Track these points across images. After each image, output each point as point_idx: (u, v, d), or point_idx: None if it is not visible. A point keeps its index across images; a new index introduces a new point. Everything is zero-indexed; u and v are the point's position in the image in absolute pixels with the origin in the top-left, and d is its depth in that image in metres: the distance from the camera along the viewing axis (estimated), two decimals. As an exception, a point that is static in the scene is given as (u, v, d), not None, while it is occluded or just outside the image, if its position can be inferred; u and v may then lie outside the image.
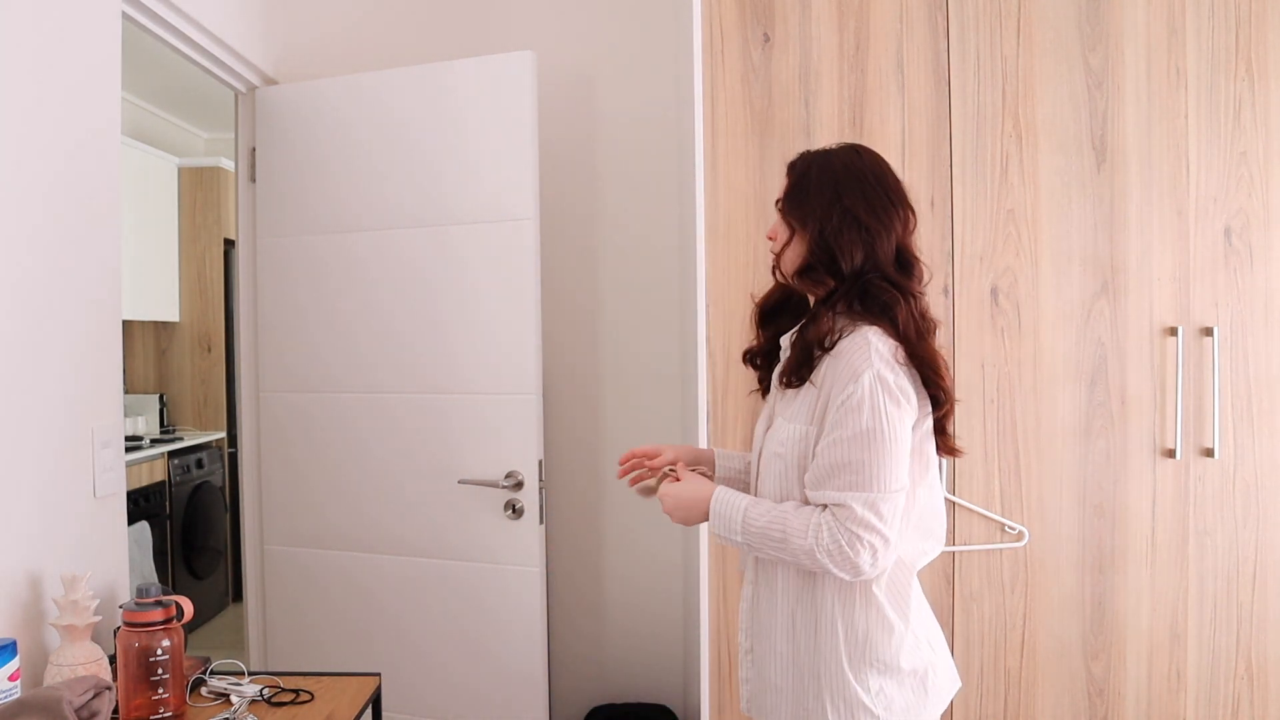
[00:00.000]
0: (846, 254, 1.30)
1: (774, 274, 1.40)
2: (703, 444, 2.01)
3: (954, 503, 2.02)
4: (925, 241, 2.01)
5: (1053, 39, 2.00)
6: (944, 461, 2.01)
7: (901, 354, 1.27)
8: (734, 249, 2.02)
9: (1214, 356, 1.99)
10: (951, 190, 2.01)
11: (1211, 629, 2.02)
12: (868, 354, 1.24)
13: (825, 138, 2.02)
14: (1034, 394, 2.01)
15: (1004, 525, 2.02)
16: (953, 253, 2.02)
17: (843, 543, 1.22)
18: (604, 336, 2.69)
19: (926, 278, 1.37)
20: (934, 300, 2.01)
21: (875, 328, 1.28)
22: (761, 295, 1.49)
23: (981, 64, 2.01)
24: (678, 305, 2.61)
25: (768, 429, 1.41)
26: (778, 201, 1.40)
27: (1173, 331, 2.00)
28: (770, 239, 1.40)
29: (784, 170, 1.42)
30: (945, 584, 2.03)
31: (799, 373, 1.31)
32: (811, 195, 1.33)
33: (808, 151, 1.41)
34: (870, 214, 1.31)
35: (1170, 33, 1.99)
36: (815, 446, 1.28)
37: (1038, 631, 2.03)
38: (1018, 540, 2.02)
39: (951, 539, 2.02)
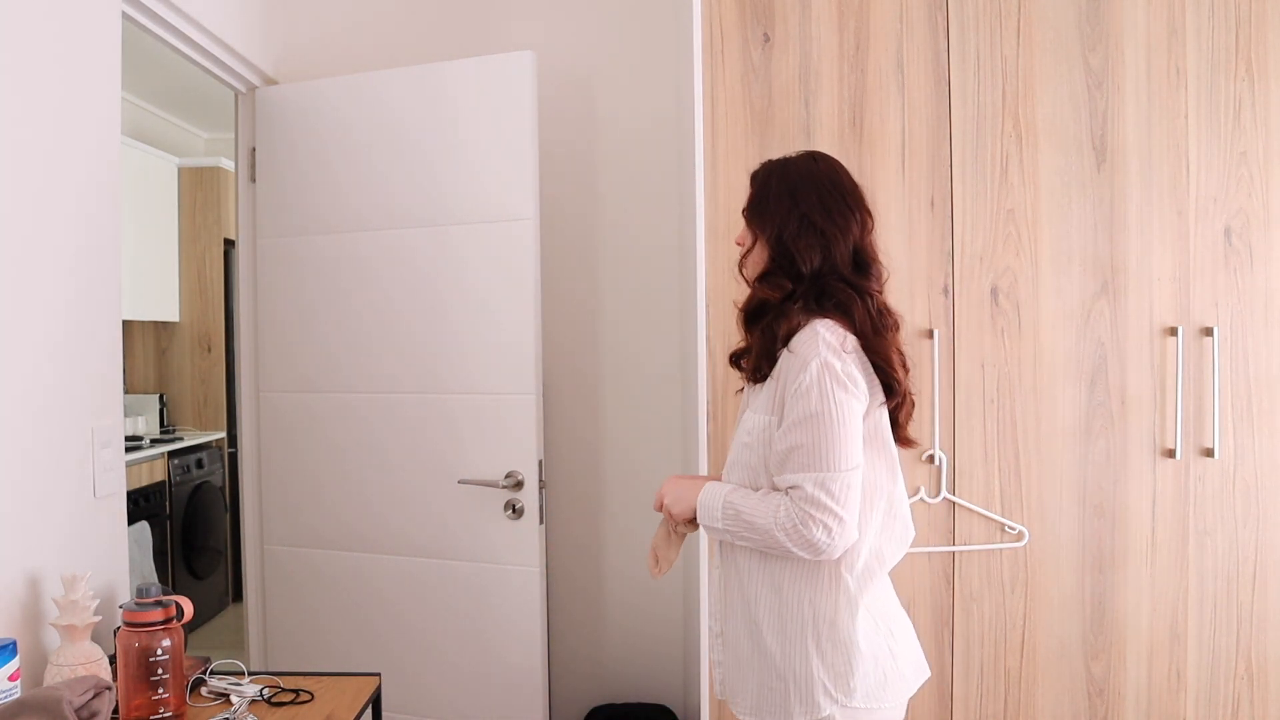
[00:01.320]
0: (804, 257, 1.37)
1: (745, 279, 1.47)
2: (702, 443, 2.01)
3: (954, 503, 2.02)
4: (925, 241, 2.02)
5: (1053, 39, 2.00)
6: (944, 461, 2.01)
7: (851, 343, 1.34)
8: (734, 249, 2.01)
9: (1214, 356, 1.99)
10: (951, 190, 2.01)
11: (1211, 629, 2.03)
12: (815, 344, 1.31)
13: (825, 138, 2.02)
14: (1034, 394, 2.01)
15: (1004, 525, 2.02)
16: (953, 253, 2.02)
17: (797, 522, 1.29)
18: (604, 336, 2.69)
19: (885, 276, 1.43)
20: (934, 300, 2.02)
21: (826, 320, 1.35)
22: (744, 301, 1.55)
23: (981, 64, 2.01)
24: (678, 305, 2.61)
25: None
26: (743, 209, 1.47)
27: (1173, 331, 2.00)
28: (738, 244, 1.48)
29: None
30: (945, 584, 2.03)
31: (761, 368, 1.40)
32: (771, 202, 1.41)
33: (769, 160, 1.48)
34: (826, 218, 1.38)
35: (1170, 33, 1.99)
36: (775, 435, 1.36)
37: (1038, 631, 2.03)
38: (1018, 540, 2.02)
39: (951, 539, 2.02)
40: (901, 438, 1.43)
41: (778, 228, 1.39)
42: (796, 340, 1.34)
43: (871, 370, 1.36)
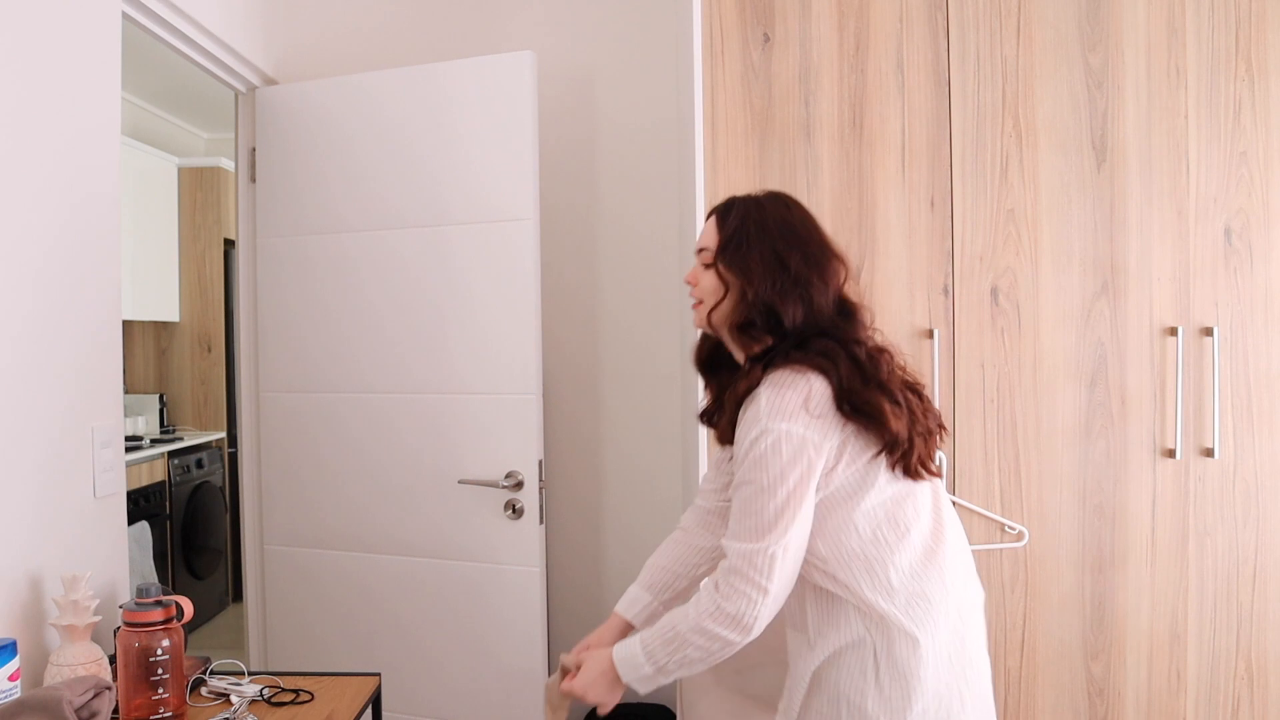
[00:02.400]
0: (789, 312, 1.30)
1: (706, 325, 1.39)
2: (702, 443, 2.02)
3: (954, 503, 2.02)
4: (925, 241, 2.02)
5: (1053, 39, 2.00)
6: (944, 461, 2.01)
7: (820, 400, 1.25)
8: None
9: (1214, 356, 1.99)
10: (951, 190, 2.01)
11: (1211, 629, 2.03)
12: (762, 406, 1.25)
13: (825, 138, 2.02)
14: (1034, 394, 2.01)
15: (1004, 525, 2.02)
16: (953, 253, 2.02)
17: (717, 596, 1.24)
18: (604, 336, 2.69)
19: (870, 319, 1.37)
20: (934, 300, 2.02)
21: (789, 373, 1.26)
22: (695, 349, 1.49)
23: (981, 64, 2.01)
24: (678, 305, 2.61)
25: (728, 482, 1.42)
26: (704, 250, 1.38)
27: (1173, 331, 2.00)
28: (690, 284, 1.39)
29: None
30: (945, 584, 2.03)
31: (729, 431, 1.34)
32: (751, 251, 1.32)
33: (735, 199, 1.39)
34: (811, 269, 1.32)
35: (1170, 33, 1.99)
36: None
37: (1038, 631, 2.03)
38: (1018, 540, 2.02)
39: (951, 539, 2.02)
40: (930, 472, 1.34)
41: (761, 280, 1.31)
42: (751, 399, 1.28)
43: (860, 420, 1.27)
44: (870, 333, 1.36)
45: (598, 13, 2.64)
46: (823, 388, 1.25)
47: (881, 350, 1.34)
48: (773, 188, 1.38)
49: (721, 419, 1.38)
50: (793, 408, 1.24)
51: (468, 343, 2.32)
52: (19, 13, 1.53)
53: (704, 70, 2.02)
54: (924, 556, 1.30)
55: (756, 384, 1.28)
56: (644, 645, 1.29)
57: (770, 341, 1.31)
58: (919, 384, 1.37)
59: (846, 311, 1.34)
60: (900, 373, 1.35)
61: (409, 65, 2.40)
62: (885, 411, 1.26)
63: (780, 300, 1.30)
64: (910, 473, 1.30)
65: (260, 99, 2.53)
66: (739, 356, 1.38)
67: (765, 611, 1.23)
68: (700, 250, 1.39)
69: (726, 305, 1.35)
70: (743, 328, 1.33)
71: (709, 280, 1.36)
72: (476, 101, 2.30)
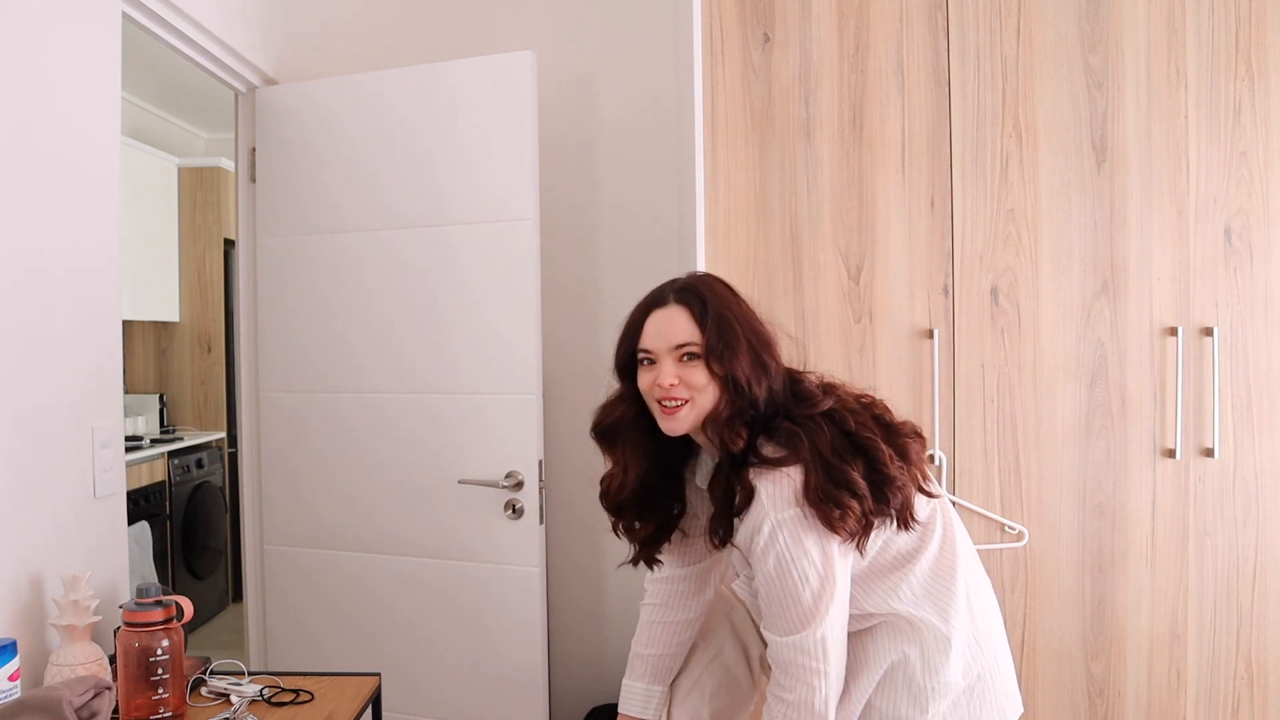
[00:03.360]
0: (761, 398, 1.26)
1: (684, 427, 1.30)
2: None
3: (954, 503, 2.02)
4: (925, 241, 2.02)
5: (1053, 39, 2.00)
6: (944, 461, 2.01)
7: (813, 490, 1.22)
8: (734, 249, 2.02)
9: (1214, 356, 1.99)
10: (951, 190, 2.01)
11: (1211, 629, 2.03)
12: (762, 506, 1.22)
13: (825, 138, 2.02)
14: (1034, 394, 2.01)
15: (1004, 525, 2.02)
16: (953, 253, 2.02)
17: (782, 698, 1.24)
18: (604, 336, 2.69)
19: (816, 379, 1.33)
20: (934, 300, 2.02)
21: (775, 474, 1.23)
22: (612, 482, 1.42)
23: (981, 64, 2.01)
24: (678, 305, 2.61)
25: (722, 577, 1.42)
26: (686, 345, 1.28)
27: (1173, 331, 2.00)
28: (670, 385, 1.27)
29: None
30: (945, 584, 2.03)
31: (719, 532, 1.29)
32: (739, 341, 1.26)
33: (691, 286, 1.32)
34: (768, 352, 1.29)
35: (1170, 33, 1.99)
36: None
37: (1038, 631, 2.03)
38: (1018, 540, 2.02)
39: (951, 539, 2.02)
40: (929, 493, 1.34)
41: (741, 370, 1.25)
42: (748, 496, 1.24)
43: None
44: (810, 377, 1.33)
45: (597, 13, 2.64)
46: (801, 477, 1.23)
47: (833, 393, 1.30)
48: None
49: (711, 521, 1.31)
50: (792, 498, 1.22)
51: (468, 342, 2.32)
52: (19, 13, 1.53)
53: (704, 70, 2.02)
54: (936, 557, 1.33)
55: (751, 489, 1.24)
56: None
57: (747, 434, 1.26)
58: (882, 412, 1.33)
59: (796, 386, 1.31)
60: (855, 402, 1.31)
61: (409, 65, 2.40)
62: (859, 489, 1.22)
63: (756, 386, 1.26)
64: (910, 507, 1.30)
65: (260, 99, 2.53)
66: (712, 451, 1.31)
67: (832, 693, 1.24)
68: (680, 346, 1.28)
69: (713, 400, 1.27)
70: (730, 421, 1.26)
71: (700, 377, 1.27)
72: (476, 101, 2.30)
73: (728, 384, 1.26)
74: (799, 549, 1.21)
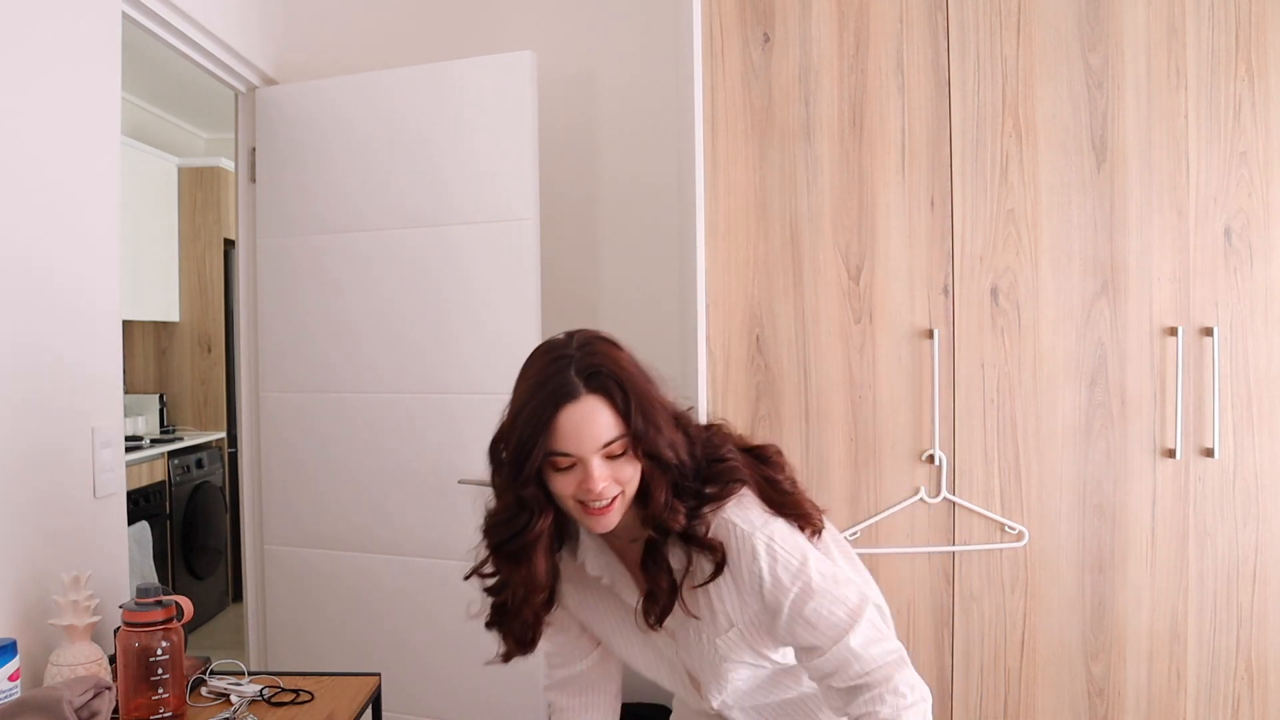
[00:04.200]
0: (687, 462, 1.16)
1: (615, 522, 1.17)
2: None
3: (954, 503, 2.02)
4: (925, 241, 2.02)
5: (1053, 39, 2.00)
6: (944, 461, 2.01)
7: (769, 500, 1.20)
8: (734, 249, 2.02)
9: (1214, 356, 1.99)
10: (951, 190, 2.01)
11: (1211, 629, 2.02)
12: (741, 531, 1.15)
13: (825, 138, 2.02)
14: (1034, 394, 2.01)
15: (1004, 525, 2.02)
16: (953, 253, 2.02)
17: (882, 688, 1.11)
18: (604, 336, 2.69)
19: (717, 425, 1.28)
20: (934, 300, 2.02)
21: (731, 501, 1.17)
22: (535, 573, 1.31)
23: (981, 64, 2.01)
24: (678, 305, 2.61)
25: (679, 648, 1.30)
26: (612, 443, 1.12)
27: (1173, 331, 2.00)
28: (598, 489, 1.12)
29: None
30: (945, 584, 2.03)
31: (652, 612, 1.20)
32: (651, 416, 1.13)
33: (596, 366, 1.14)
34: (673, 408, 1.20)
35: (1170, 33, 1.99)
36: (770, 638, 1.20)
37: (1038, 631, 2.03)
38: (1018, 540, 2.02)
39: (951, 539, 2.02)
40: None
41: (666, 442, 1.14)
42: (721, 537, 1.16)
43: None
44: (689, 417, 1.24)
45: (597, 13, 2.64)
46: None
47: (716, 431, 1.26)
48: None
49: (646, 602, 1.21)
50: (760, 509, 1.18)
51: (468, 342, 2.32)
52: (19, 13, 1.53)
53: (704, 70, 2.02)
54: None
55: (716, 544, 1.15)
56: None
57: (684, 506, 1.16)
58: (753, 447, 1.29)
59: (695, 436, 1.22)
60: (736, 442, 1.27)
61: (409, 65, 2.40)
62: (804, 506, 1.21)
63: (684, 451, 1.17)
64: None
65: (260, 99, 2.53)
66: (655, 529, 1.18)
67: (908, 661, 1.15)
68: (606, 445, 1.11)
69: (637, 483, 1.16)
70: (668, 503, 1.15)
71: (629, 470, 1.13)
72: (476, 101, 2.30)
73: (656, 463, 1.13)
74: (800, 549, 1.17)
